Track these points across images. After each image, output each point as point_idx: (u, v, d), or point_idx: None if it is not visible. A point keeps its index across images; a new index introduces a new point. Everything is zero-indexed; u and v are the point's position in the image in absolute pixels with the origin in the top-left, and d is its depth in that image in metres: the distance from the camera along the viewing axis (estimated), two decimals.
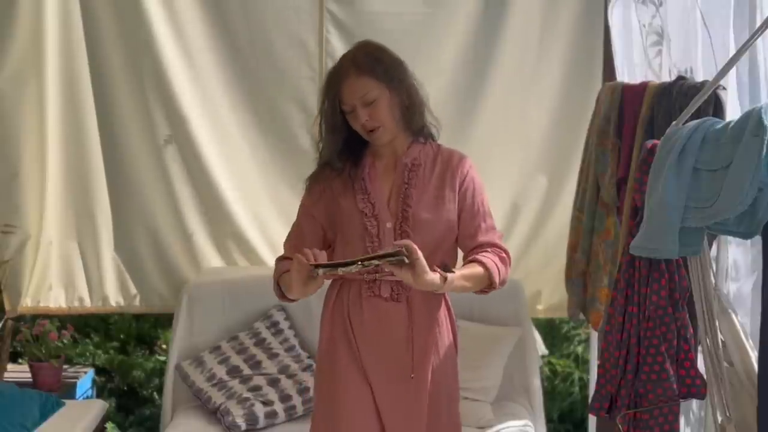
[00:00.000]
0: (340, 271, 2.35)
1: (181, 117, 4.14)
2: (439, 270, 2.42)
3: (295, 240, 2.66)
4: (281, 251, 4.63)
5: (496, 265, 2.55)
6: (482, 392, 3.75)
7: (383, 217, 2.58)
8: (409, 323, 2.59)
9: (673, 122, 2.19)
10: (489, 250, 2.58)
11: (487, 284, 2.55)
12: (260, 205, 4.32)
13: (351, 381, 2.58)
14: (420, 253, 2.36)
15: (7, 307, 4.23)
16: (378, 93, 2.52)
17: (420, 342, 2.59)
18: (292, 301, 2.60)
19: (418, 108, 2.61)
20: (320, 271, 2.36)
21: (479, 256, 2.55)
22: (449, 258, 2.62)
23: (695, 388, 2.40)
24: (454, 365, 2.70)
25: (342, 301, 2.63)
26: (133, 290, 4.32)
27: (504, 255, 2.60)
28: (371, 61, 2.55)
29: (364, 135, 2.58)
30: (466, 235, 2.62)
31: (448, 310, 2.70)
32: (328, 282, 2.66)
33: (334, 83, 2.56)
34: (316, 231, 2.64)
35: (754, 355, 2.20)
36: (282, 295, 2.60)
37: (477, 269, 2.52)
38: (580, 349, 5.64)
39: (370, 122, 2.53)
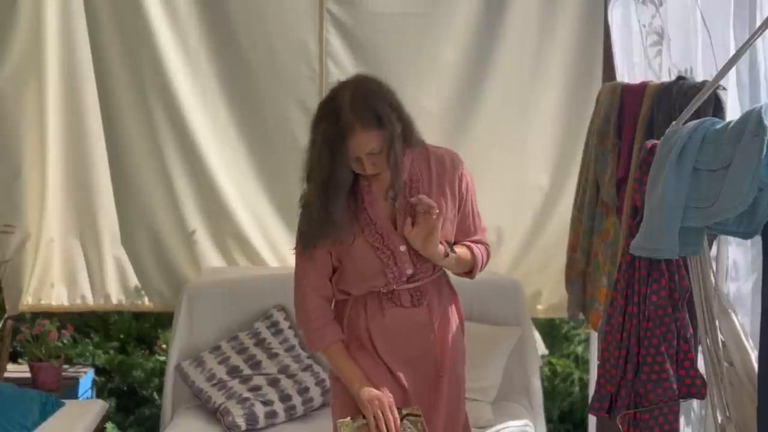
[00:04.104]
0: None
1: (182, 116, 4.14)
2: (445, 245, 2.56)
3: (320, 280, 2.63)
4: (281, 251, 4.59)
5: (483, 260, 2.70)
6: (482, 392, 3.75)
7: (395, 243, 2.56)
8: (431, 325, 2.62)
9: (673, 122, 2.19)
10: (480, 246, 2.73)
11: (467, 271, 2.69)
12: (260, 204, 4.32)
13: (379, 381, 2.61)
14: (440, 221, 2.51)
15: (7, 306, 4.24)
16: (382, 143, 2.45)
17: (443, 342, 2.64)
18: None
19: (411, 130, 2.57)
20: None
21: (473, 246, 2.69)
22: None
23: (695, 388, 2.40)
24: (465, 360, 2.76)
25: (358, 315, 2.62)
26: (135, 289, 4.33)
27: (489, 252, 2.76)
28: (372, 112, 2.43)
29: (364, 174, 2.54)
30: (458, 231, 2.68)
31: (453, 290, 2.75)
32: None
33: (339, 138, 2.43)
34: (327, 261, 2.62)
35: (754, 355, 2.20)
36: (314, 349, 2.71)
37: (467, 257, 2.67)
38: (580, 349, 5.64)
39: (374, 170, 2.49)
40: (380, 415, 2.47)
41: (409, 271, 2.58)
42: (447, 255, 2.55)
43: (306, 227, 2.57)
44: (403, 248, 2.56)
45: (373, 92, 2.48)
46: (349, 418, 2.52)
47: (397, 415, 2.49)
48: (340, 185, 2.49)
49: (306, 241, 2.58)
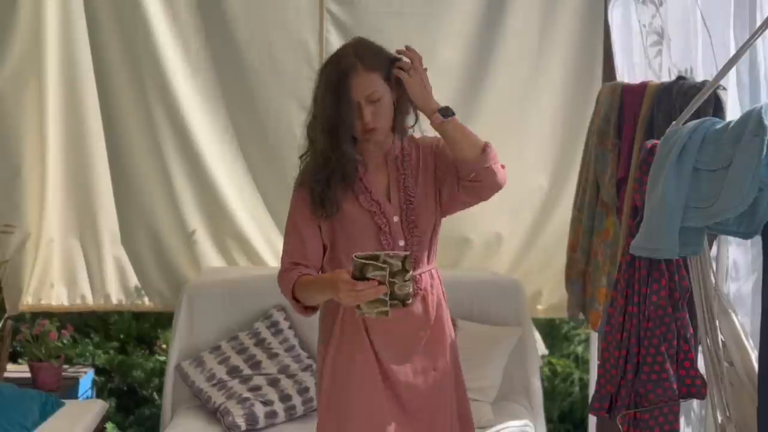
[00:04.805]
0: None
1: (182, 117, 4.14)
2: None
3: (296, 250, 2.59)
4: (281, 251, 4.57)
5: (493, 147, 2.53)
6: (482, 392, 3.75)
7: (389, 213, 2.58)
8: (427, 315, 2.61)
9: (673, 122, 2.19)
10: None
11: (479, 146, 2.51)
12: (260, 204, 4.32)
13: (369, 386, 2.57)
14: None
15: (7, 306, 4.24)
16: (383, 91, 2.50)
17: (436, 333, 2.64)
18: (315, 310, 2.59)
19: (407, 109, 2.61)
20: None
21: None
22: (437, 241, 2.67)
23: (695, 388, 2.40)
24: (458, 353, 2.74)
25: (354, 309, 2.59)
26: (135, 289, 4.34)
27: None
28: (376, 58, 2.52)
29: (358, 134, 2.54)
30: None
31: (442, 286, 2.71)
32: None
33: (342, 79, 2.49)
34: (316, 236, 2.60)
35: (754, 355, 2.20)
36: (303, 308, 2.57)
37: (476, 135, 2.54)
38: (580, 349, 5.65)
39: (372, 121, 2.50)
40: (355, 298, 2.33)
41: (401, 242, 2.57)
42: (445, 107, 2.49)
43: (309, 177, 2.58)
44: (396, 219, 2.57)
45: (378, 47, 2.56)
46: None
47: (361, 287, 2.32)
48: (347, 126, 2.49)
49: (304, 184, 2.58)
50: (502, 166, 2.54)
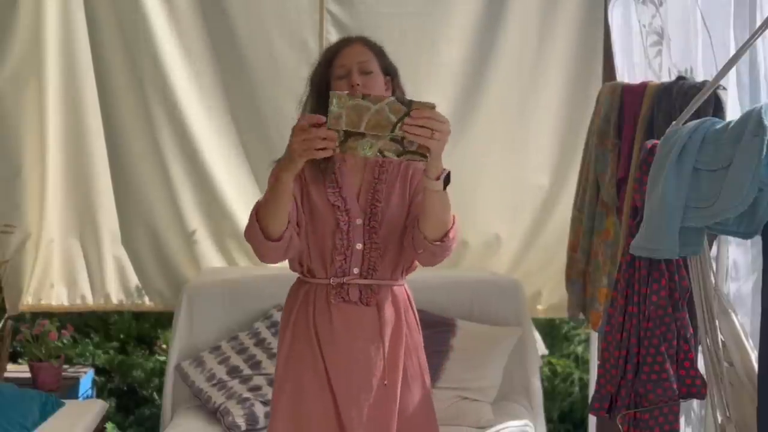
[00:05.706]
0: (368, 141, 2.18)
1: (182, 116, 4.15)
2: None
3: None
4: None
5: (456, 223, 2.48)
6: (482, 392, 3.75)
7: (354, 213, 2.54)
8: (380, 327, 2.55)
9: (673, 122, 2.19)
10: None
11: (445, 229, 2.44)
12: None
13: (316, 397, 2.52)
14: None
15: (7, 306, 4.24)
16: (377, 71, 2.53)
17: (391, 346, 2.55)
18: (277, 241, 2.42)
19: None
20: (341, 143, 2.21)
21: None
22: (404, 254, 2.58)
23: (695, 388, 2.40)
24: (425, 363, 2.66)
25: (306, 310, 2.56)
26: (135, 288, 4.34)
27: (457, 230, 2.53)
28: (379, 48, 2.57)
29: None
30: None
31: (412, 306, 2.66)
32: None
33: (339, 47, 2.55)
34: (292, 202, 2.50)
35: (754, 355, 2.20)
36: (263, 234, 2.41)
37: (450, 215, 2.45)
38: (580, 349, 5.64)
39: (360, 88, 2.46)
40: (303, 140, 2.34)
41: (359, 245, 2.52)
42: (448, 173, 2.32)
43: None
44: (359, 221, 2.53)
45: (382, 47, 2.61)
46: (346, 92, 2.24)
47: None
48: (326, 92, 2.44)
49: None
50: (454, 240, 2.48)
